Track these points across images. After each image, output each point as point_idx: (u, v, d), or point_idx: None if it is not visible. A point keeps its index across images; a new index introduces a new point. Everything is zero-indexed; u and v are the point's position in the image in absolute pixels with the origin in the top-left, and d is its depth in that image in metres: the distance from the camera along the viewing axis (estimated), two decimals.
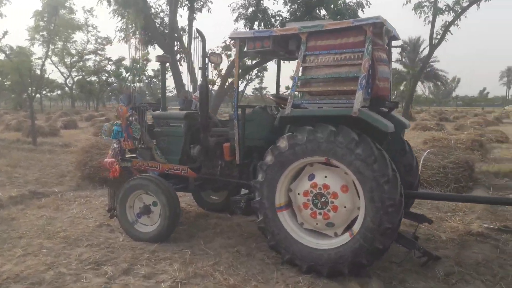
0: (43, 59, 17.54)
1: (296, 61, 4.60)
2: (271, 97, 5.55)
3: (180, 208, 5.28)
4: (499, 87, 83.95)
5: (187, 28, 14.52)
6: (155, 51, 15.36)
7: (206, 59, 5.27)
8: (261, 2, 11.95)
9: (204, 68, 5.32)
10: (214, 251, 4.88)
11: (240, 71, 5.16)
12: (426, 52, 49.43)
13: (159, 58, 6.02)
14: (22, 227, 5.74)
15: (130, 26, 14.05)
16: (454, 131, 19.50)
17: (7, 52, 16.16)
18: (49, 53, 18.03)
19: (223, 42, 13.05)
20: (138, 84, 5.80)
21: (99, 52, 59.25)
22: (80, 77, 65.24)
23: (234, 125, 4.98)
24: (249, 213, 5.01)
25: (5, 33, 17.24)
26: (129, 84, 5.84)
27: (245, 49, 4.91)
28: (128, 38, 14.44)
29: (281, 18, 11.86)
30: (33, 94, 16.45)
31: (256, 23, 11.82)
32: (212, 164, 5.61)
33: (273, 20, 11.83)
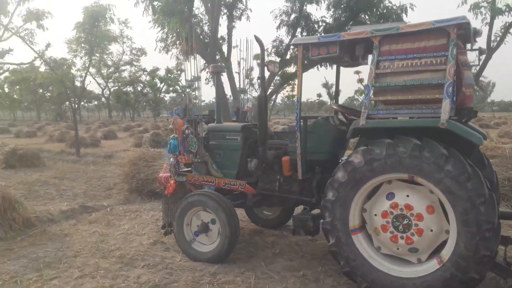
0: (86, 71, 17.81)
1: (356, 66, 4.30)
2: (334, 107, 5.19)
3: (239, 227, 4.98)
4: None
5: (226, 37, 14.40)
6: (195, 61, 15.29)
7: (265, 67, 4.99)
8: (304, 8, 11.63)
9: (263, 78, 5.03)
10: (278, 275, 4.53)
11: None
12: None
13: (213, 68, 5.79)
14: (76, 244, 5.60)
15: (171, 36, 14.08)
16: (500, 138, 18.33)
17: (51, 65, 16.48)
18: (89, 65, 18.28)
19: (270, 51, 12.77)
20: (195, 95, 5.56)
21: (134, 63, 60.69)
22: (116, 87, 67.11)
23: (297, 137, 4.65)
24: (314, 234, 4.66)
25: (48, 45, 17.66)
26: (183, 95, 5.62)
27: (309, 55, 4.59)
28: (169, 47, 14.45)
29: (324, 24, 11.49)
30: (76, 105, 16.73)
31: (299, 29, 11.51)
32: (270, 179, 5.29)
33: (316, 26, 11.49)
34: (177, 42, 13.78)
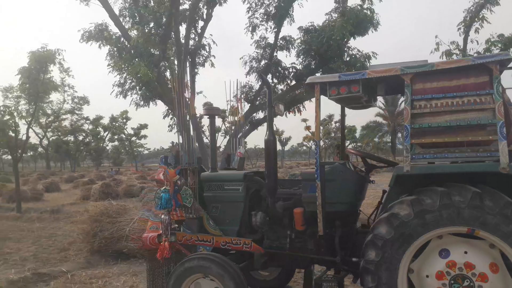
0: (31, 119, 16.35)
1: (366, 108, 3.92)
2: (351, 151, 4.73)
3: None
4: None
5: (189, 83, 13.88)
6: (156, 107, 14.56)
7: (273, 109, 4.46)
8: (275, 55, 11.50)
9: (270, 120, 4.48)
10: None
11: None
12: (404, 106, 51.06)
13: (208, 111, 5.17)
14: None
15: (130, 81, 13.30)
16: None
17: None
18: (31, 113, 16.83)
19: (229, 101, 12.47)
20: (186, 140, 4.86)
21: (76, 112, 58.05)
22: (56, 137, 63.44)
23: (317, 186, 4.07)
24: None
25: None
26: (175, 142, 4.90)
27: (328, 95, 4.13)
28: (127, 92, 13.61)
29: (295, 70, 11.39)
30: (18, 155, 15.09)
31: (269, 76, 11.29)
32: (278, 235, 4.62)
33: (286, 72, 11.35)
34: (138, 88, 13.02)
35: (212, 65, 14.41)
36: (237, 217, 4.71)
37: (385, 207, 3.77)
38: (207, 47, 13.90)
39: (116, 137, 63.93)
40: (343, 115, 5.25)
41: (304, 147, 53.03)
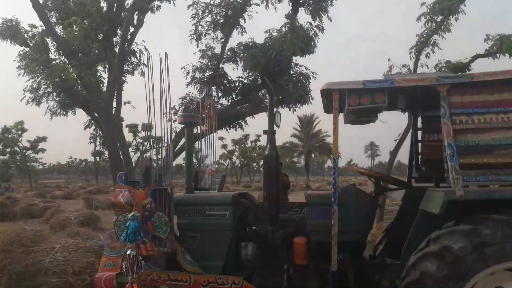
0: None
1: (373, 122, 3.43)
2: (362, 171, 4.13)
3: None
4: (365, 158, 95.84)
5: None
6: (75, 116, 12.80)
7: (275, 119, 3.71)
8: (221, 66, 10.74)
9: (271, 133, 3.71)
10: None
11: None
12: (319, 127, 52.95)
13: (184, 118, 4.21)
14: None
15: (45, 85, 11.52)
16: None
17: None
18: None
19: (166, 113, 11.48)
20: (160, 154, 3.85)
21: None
22: None
23: (333, 212, 3.38)
24: None
25: None
26: (147, 155, 3.85)
27: (346, 105, 3.49)
28: (41, 99, 11.82)
29: (241, 84, 10.74)
30: None
31: (214, 88, 10.50)
32: (271, 272, 3.80)
33: (233, 85, 10.65)
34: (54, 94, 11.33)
35: (142, 74, 13.20)
36: (222, 249, 3.79)
37: (417, 236, 3.22)
38: (137, 54, 12.69)
39: (8, 150, 56.93)
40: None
41: (218, 165, 52.53)
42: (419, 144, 4.51)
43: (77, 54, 7.56)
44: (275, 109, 3.80)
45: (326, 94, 3.60)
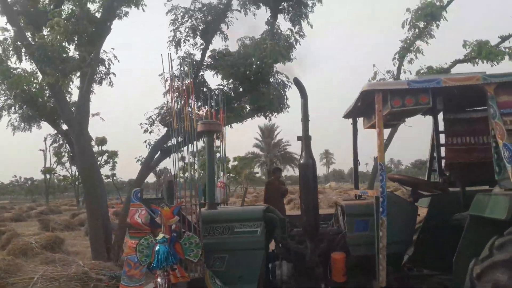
0: None
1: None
2: (396, 177, 3.92)
3: None
4: (321, 167, 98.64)
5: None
6: (40, 131, 11.86)
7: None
8: (202, 74, 10.29)
9: (307, 138, 3.43)
10: None
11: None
12: (279, 137, 53.05)
13: (205, 126, 3.84)
14: None
15: (5, 98, 10.59)
16: None
17: None
18: None
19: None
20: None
21: None
22: None
23: (381, 223, 3.13)
24: None
25: None
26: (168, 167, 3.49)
27: (390, 107, 3.28)
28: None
29: (222, 92, 10.35)
30: None
31: (193, 96, 10.01)
32: None
33: (214, 93, 10.23)
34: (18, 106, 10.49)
35: (111, 83, 12.49)
36: (255, 270, 3.42)
37: (470, 244, 3.05)
38: (106, 63, 11.99)
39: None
40: (355, 135, 4.46)
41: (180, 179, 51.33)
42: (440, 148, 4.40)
43: (55, 60, 6.84)
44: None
45: (365, 95, 3.37)
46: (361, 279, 3.45)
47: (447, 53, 9.48)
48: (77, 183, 34.60)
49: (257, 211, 3.56)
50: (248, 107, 11.22)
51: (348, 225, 3.45)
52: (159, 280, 2.97)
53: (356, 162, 4.43)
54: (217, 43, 10.74)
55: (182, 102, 10.91)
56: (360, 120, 4.43)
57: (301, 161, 3.42)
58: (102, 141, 28.17)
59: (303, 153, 3.41)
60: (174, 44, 10.03)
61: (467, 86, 3.18)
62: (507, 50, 8.35)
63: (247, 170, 54.49)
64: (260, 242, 3.45)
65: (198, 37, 10.07)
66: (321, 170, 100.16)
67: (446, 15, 8.38)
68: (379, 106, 3.22)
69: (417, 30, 8.64)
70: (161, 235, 3.03)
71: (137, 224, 3.28)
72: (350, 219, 3.45)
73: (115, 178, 38.24)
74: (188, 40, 10.12)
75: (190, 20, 9.90)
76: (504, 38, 8.52)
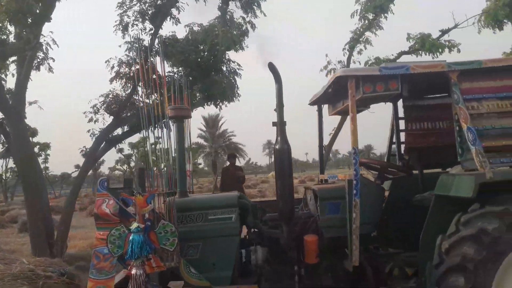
0: None
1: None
2: (363, 161, 4.03)
3: None
4: (263, 157, 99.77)
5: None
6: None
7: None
8: (152, 60, 9.90)
9: (282, 124, 3.43)
10: None
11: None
12: (224, 127, 52.99)
13: (175, 112, 3.71)
14: None
15: None
16: None
17: None
18: None
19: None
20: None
21: None
22: None
23: (354, 205, 3.23)
24: None
25: None
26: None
27: (361, 92, 3.35)
28: None
29: (173, 80, 10.06)
30: None
31: (141, 84, 9.61)
32: (280, 275, 3.53)
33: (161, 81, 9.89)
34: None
35: (50, 69, 11.67)
36: (230, 257, 3.39)
37: (435, 222, 3.23)
38: (44, 47, 11.16)
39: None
40: (320, 120, 4.54)
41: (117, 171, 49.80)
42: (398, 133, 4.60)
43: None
44: None
45: (338, 81, 3.42)
46: (333, 259, 3.54)
47: (393, 45, 9.89)
48: (4, 177, 32.30)
49: (231, 197, 3.52)
50: (198, 95, 11.02)
51: (321, 208, 3.51)
52: (134, 271, 2.83)
53: (321, 148, 4.53)
54: (168, 28, 10.43)
55: (131, 88, 10.46)
56: (325, 108, 4.52)
57: (277, 147, 3.42)
58: (33, 132, 26.30)
59: (278, 138, 3.41)
60: (121, 29, 9.57)
61: (432, 73, 3.34)
62: (447, 43, 8.91)
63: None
64: (235, 228, 3.42)
65: (147, 21, 9.70)
66: (264, 161, 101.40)
67: (394, 8, 8.72)
68: (352, 91, 3.29)
69: (366, 22, 8.94)
70: (135, 224, 2.89)
71: (105, 214, 3.10)
72: (322, 202, 3.51)
73: (47, 171, 36.36)
74: (137, 25, 9.71)
75: (138, 4, 9.50)
76: (444, 32, 9.08)
